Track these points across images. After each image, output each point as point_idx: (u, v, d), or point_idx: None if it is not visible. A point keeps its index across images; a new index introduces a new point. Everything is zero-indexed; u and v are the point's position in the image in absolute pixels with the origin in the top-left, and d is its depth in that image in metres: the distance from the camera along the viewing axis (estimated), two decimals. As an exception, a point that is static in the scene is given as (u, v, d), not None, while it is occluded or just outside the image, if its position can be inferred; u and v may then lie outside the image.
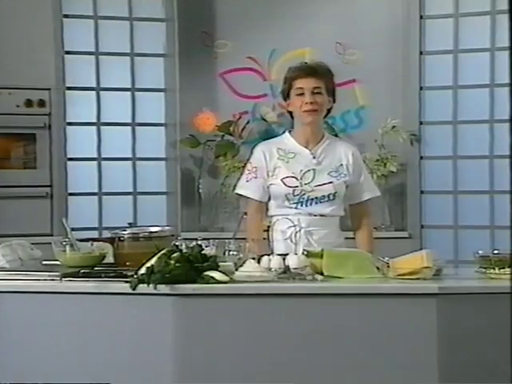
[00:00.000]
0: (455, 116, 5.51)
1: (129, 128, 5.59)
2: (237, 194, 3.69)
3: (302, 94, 3.50)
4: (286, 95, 3.57)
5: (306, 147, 3.58)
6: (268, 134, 5.39)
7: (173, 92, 5.59)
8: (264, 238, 3.51)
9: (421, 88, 5.54)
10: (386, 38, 5.56)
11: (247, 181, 3.59)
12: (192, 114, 5.50)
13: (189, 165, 5.63)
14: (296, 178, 3.51)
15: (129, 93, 5.59)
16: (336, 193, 3.52)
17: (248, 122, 5.60)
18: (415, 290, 2.87)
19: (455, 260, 5.33)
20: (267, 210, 3.59)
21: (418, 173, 5.53)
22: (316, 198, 3.51)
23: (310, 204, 3.51)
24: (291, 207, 3.51)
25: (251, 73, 5.65)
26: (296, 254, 3.05)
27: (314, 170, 3.53)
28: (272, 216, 3.57)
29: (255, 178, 3.56)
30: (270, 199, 3.57)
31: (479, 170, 5.43)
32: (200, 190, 5.58)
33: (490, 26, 5.39)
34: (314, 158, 3.56)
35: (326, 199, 3.52)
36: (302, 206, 3.51)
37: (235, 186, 3.71)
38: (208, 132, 5.51)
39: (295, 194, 3.50)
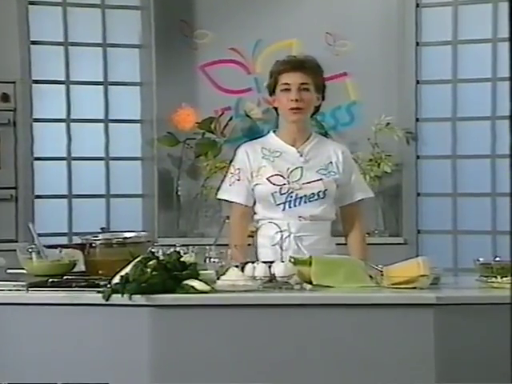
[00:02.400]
0: (454, 112, 5.53)
1: (101, 125, 5.58)
2: (219, 199, 3.71)
3: (287, 90, 3.52)
4: (272, 90, 3.59)
5: (292, 145, 3.60)
6: (252, 132, 5.40)
7: (149, 86, 5.59)
8: (249, 244, 3.53)
9: (417, 82, 5.56)
10: (379, 27, 5.58)
11: (230, 184, 3.61)
12: (170, 110, 5.50)
13: (167, 165, 5.63)
14: (282, 176, 3.54)
15: (101, 87, 5.58)
16: (326, 190, 3.54)
17: (231, 119, 5.60)
18: (411, 300, 2.89)
19: (454, 268, 5.36)
20: (253, 214, 3.60)
21: (415, 173, 5.55)
22: (305, 195, 3.53)
23: (299, 203, 3.53)
24: (279, 209, 3.53)
25: (234, 65, 5.66)
26: (283, 261, 3.06)
27: (301, 167, 3.55)
28: (258, 220, 3.59)
29: (238, 180, 3.58)
30: (255, 203, 3.59)
31: (480, 171, 5.46)
32: (179, 193, 5.58)
33: (491, 14, 5.41)
34: (302, 156, 3.58)
35: (316, 197, 3.54)
36: (290, 205, 3.53)
37: (217, 190, 3.72)
38: (187, 129, 5.51)
39: (282, 192, 3.52)
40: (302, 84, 3.52)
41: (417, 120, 5.56)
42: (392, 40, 5.57)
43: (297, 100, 3.50)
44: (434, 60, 5.57)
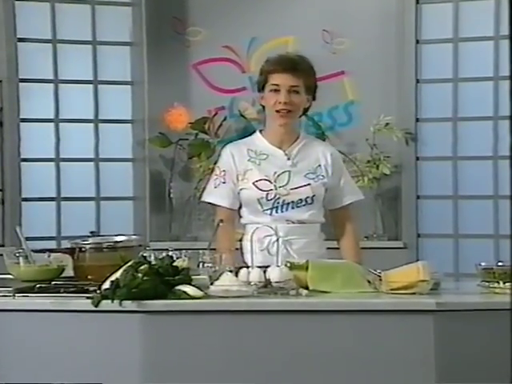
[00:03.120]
0: (455, 112, 5.54)
1: (91, 125, 5.58)
2: (204, 202, 3.71)
3: (277, 91, 3.52)
4: (261, 88, 3.60)
5: (279, 148, 3.60)
6: (247, 132, 5.34)
7: (140, 85, 5.59)
8: (237, 249, 3.53)
9: (417, 81, 5.57)
10: (378, 25, 5.59)
11: (215, 187, 3.61)
12: (162, 110, 5.50)
13: (158, 166, 5.64)
14: (269, 181, 3.54)
15: (91, 86, 5.58)
16: (314, 196, 3.55)
17: (225, 119, 5.61)
18: (410, 305, 2.89)
19: (455, 273, 5.37)
20: (239, 218, 3.61)
21: (414, 175, 5.56)
22: (292, 202, 3.54)
23: (286, 209, 3.54)
24: (266, 214, 3.53)
25: (228, 64, 5.66)
26: (278, 265, 3.06)
27: (288, 171, 3.56)
28: (245, 224, 3.59)
29: (224, 183, 3.59)
30: (241, 206, 3.59)
31: (482, 173, 5.46)
32: (171, 195, 5.59)
33: (494, 11, 5.42)
34: (289, 159, 3.59)
35: (304, 203, 3.55)
36: (277, 211, 3.54)
37: (201, 193, 3.72)
38: (180, 130, 5.51)
39: (269, 198, 3.53)
40: (292, 86, 3.52)
41: (416, 120, 5.57)
42: (391, 37, 5.57)
43: (286, 103, 3.51)
44: (435, 58, 5.58)
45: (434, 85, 5.58)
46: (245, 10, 5.63)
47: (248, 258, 3.46)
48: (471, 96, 5.51)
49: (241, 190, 3.57)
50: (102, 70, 5.59)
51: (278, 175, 3.55)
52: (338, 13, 5.61)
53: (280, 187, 3.54)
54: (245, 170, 3.57)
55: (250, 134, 3.77)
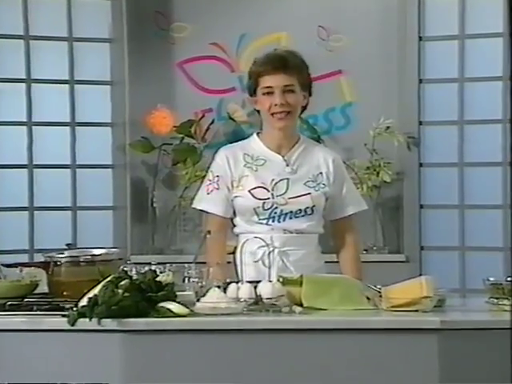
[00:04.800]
0: (461, 115, 5.56)
1: (67, 128, 5.58)
2: (195, 208, 3.72)
3: (270, 93, 3.53)
4: (253, 91, 3.61)
5: (277, 153, 3.61)
6: (237, 136, 5.40)
7: (121, 85, 5.59)
8: (228, 262, 3.53)
9: (420, 81, 5.59)
10: (378, 20, 5.60)
11: (208, 193, 3.62)
12: (144, 112, 5.50)
13: (140, 173, 5.64)
14: (267, 189, 3.55)
15: (67, 86, 5.58)
16: (314, 206, 3.56)
17: (212, 122, 5.62)
18: (413, 324, 2.90)
19: (461, 288, 5.38)
20: (232, 227, 3.62)
21: (417, 183, 5.57)
22: (291, 212, 3.55)
23: (284, 219, 3.55)
24: (261, 223, 3.54)
25: (216, 62, 5.68)
26: (270, 280, 3.07)
27: (287, 179, 3.57)
28: (239, 234, 3.60)
29: (217, 189, 3.59)
30: (235, 214, 3.60)
31: (491, 180, 5.48)
32: (154, 204, 5.59)
33: (502, 5, 5.44)
34: (288, 165, 3.60)
35: (303, 213, 3.56)
36: (273, 221, 3.54)
37: (193, 199, 3.73)
38: (164, 134, 5.52)
39: (266, 207, 3.54)
40: (286, 86, 3.53)
41: (420, 123, 5.59)
42: (392, 34, 5.59)
43: (282, 104, 3.52)
44: (439, 56, 5.59)
45: (438, 85, 5.60)
46: (234, 4, 5.64)
47: (241, 271, 3.47)
48: (479, 97, 5.53)
49: (235, 197, 3.58)
50: (78, 68, 5.59)
51: (276, 183, 3.56)
52: (335, 7, 5.63)
53: (278, 196, 3.54)
54: (240, 177, 3.57)
55: (245, 138, 3.78)
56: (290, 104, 3.53)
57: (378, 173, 5.48)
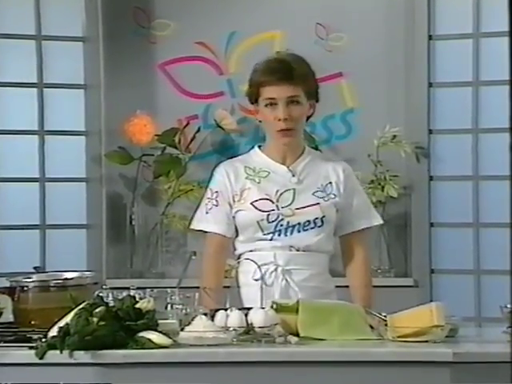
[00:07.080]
0: (476, 122, 5.57)
1: (35, 137, 5.58)
2: (194, 229, 3.72)
3: (273, 105, 3.56)
4: (254, 100, 3.63)
5: (282, 163, 3.64)
6: (225, 147, 5.43)
7: (96, 89, 5.60)
8: (225, 287, 3.53)
9: (430, 85, 5.61)
10: (383, 17, 5.62)
11: (206, 212, 3.64)
12: (122, 119, 5.51)
13: (118, 187, 5.64)
14: (271, 201, 3.57)
15: (35, 89, 5.59)
16: (324, 217, 3.58)
17: (198, 130, 5.62)
18: (422, 356, 2.91)
19: (476, 317, 5.38)
20: (233, 250, 3.63)
21: (427, 199, 5.58)
22: (298, 224, 3.56)
23: (291, 233, 3.56)
24: (265, 239, 3.55)
25: (202, 63, 5.69)
26: (262, 307, 3.08)
27: (293, 189, 3.59)
28: (241, 254, 3.60)
29: (216, 206, 3.61)
30: (237, 234, 3.61)
31: (508, 195, 5.49)
32: (133, 222, 5.59)
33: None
34: (294, 175, 3.62)
35: (312, 225, 3.57)
36: (280, 234, 3.56)
37: (191, 220, 3.74)
38: (144, 143, 5.52)
39: (270, 220, 3.55)
40: (291, 97, 3.56)
41: (429, 132, 5.60)
42: (398, 32, 5.61)
43: (286, 119, 3.54)
44: (451, 57, 5.61)
45: (449, 89, 5.61)
46: (222, 0, 5.66)
47: (243, 293, 3.48)
48: (495, 102, 5.53)
49: (237, 212, 3.59)
50: (48, 70, 5.59)
51: (281, 194, 3.58)
52: (335, 3, 5.64)
53: (283, 207, 3.56)
54: (242, 190, 3.60)
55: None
56: (294, 118, 3.57)
57: (383, 187, 5.49)
